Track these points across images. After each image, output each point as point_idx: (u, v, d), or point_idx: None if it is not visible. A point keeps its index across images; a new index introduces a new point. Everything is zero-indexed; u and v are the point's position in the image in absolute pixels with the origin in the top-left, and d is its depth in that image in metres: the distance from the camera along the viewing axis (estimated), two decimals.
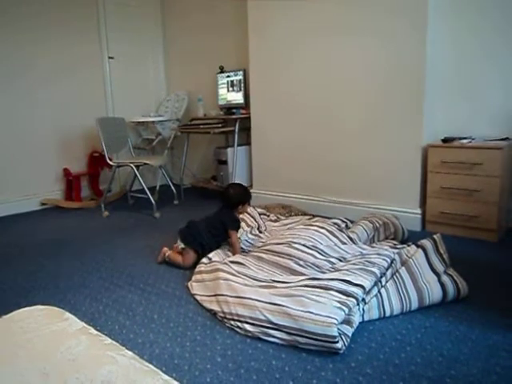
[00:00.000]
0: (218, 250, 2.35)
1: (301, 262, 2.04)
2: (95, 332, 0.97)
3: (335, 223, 2.52)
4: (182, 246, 2.34)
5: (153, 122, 4.20)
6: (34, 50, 3.85)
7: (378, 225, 2.54)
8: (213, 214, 2.46)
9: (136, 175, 3.63)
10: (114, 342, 0.93)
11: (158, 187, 4.10)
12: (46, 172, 4.02)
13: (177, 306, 1.92)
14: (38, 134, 3.95)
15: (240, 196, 2.44)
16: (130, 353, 0.88)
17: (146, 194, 3.50)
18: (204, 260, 2.23)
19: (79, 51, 4.16)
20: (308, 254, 2.09)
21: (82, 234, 3.11)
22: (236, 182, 2.66)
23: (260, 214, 2.94)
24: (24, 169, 3.88)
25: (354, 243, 2.33)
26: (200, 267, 2.16)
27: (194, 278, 2.11)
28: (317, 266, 2.03)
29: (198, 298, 1.97)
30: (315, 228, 2.37)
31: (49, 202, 3.98)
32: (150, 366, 0.84)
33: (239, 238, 2.49)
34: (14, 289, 2.18)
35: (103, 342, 0.92)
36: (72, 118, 4.16)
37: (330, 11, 3.03)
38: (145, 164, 3.59)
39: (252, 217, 2.87)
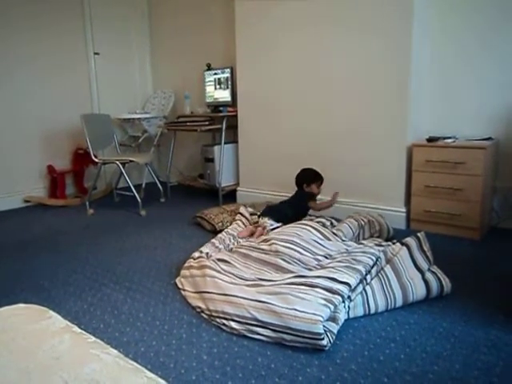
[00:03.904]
0: (208, 244, 2.41)
1: (287, 258, 2.05)
2: (79, 330, 0.96)
3: (320, 222, 2.54)
4: (277, 225, 2.58)
5: (139, 119, 4.16)
6: (18, 45, 3.78)
7: (362, 223, 2.56)
8: (290, 197, 2.86)
9: (122, 173, 3.60)
10: (99, 341, 0.92)
11: (143, 185, 4.07)
12: (30, 169, 3.96)
13: (162, 304, 1.91)
14: (21, 130, 3.88)
15: (303, 177, 2.84)
16: (115, 351, 0.87)
17: (132, 191, 3.48)
18: (195, 254, 2.23)
19: (63, 46, 4.10)
20: (293, 250, 2.10)
21: (66, 231, 3.07)
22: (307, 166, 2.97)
23: (251, 215, 2.94)
24: (6, 165, 3.81)
25: (339, 239, 2.35)
26: (189, 262, 2.16)
27: (182, 273, 2.12)
28: (302, 262, 2.04)
29: (185, 293, 1.96)
30: (300, 225, 2.38)
31: (32, 200, 3.92)
32: (135, 363, 0.83)
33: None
34: None
35: (87, 340, 0.91)
36: (56, 114, 4.10)
37: (316, 9, 3.04)
38: (131, 161, 3.56)
39: (245, 218, 2.88)
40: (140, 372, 0.79)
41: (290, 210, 2.70)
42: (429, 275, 1.90)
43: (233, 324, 1.65)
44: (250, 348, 1.54)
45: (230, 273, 1.95)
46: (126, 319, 1.78)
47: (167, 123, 4.18)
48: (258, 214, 2.80)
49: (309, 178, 2.83)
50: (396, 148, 2.85)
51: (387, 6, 2.73)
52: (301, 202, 2.79)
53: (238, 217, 2.91)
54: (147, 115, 4.21)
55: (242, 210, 2.95)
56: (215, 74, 3.99)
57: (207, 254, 2.25)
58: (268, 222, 2.62)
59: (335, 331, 1.56)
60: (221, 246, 2.42)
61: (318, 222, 2.49)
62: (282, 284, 1.75)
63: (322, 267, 1.93)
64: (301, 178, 2.86)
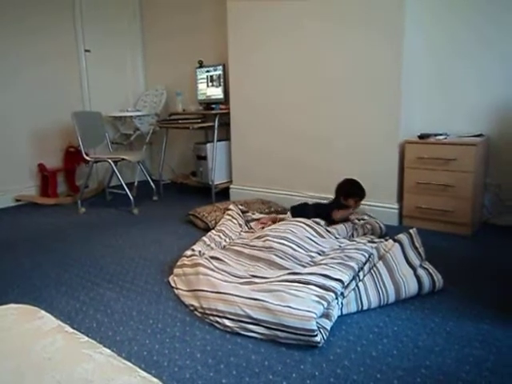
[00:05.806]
0: (200, 242, 2.38)
1: (280, 254, 2.06)
2: (71, 330, 0.95)
3: (315, 221, 2.54)
4: None
5: (131, 116, 4.14)
6: (8, 42, 3.74)
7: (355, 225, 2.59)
8: (327, 202, 2.79)
9: (114, 171, 3.57)
10: (91, 340, 0.92)
11: (136, 183, 4.05)
12: (20, 167, 3.92)
13: (156, 302, 1.90)
14: (12, 129, 3.84)
15: (340, 189, 2.68)
16: (108, 350, 0.87)
17: (125, 190, 3.46)
18: (187, 252, 2.22)
19: (54, 44, 4.06)
20: (287, 246, 2.11)
21: (58, 230, 3.05)
22: (348, 178, 2.77)
23: (243, 212, 2.93)
24: None
25: (332, 237, 2.36)
26: (182, 260, 2.15)
27: (175, 272, 2.11)
28: (295, 258, 2.05)
29: (178, 291, 1.96)
30: (294, 222, 2.38)
31: (23, 198, 3.88)
32: (128, 363, 0.83)
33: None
34: None
35: (79, 340, 0.91)
36: (47, 112, 4.06)
37: (308, 6, 3.04)
38: (123, 159, 3.54)
39: (237, 214, 2.86)
40: (133, 371, 0.79)
41: (312, 216, 2.55)
42: (421, 271, 1.91)
43: (226, 322, 1.65)
44: (243, 345, 1.55)
45: (223, 270, 1.95)
46: (119, 318, 1.77)
47: (159, 121, 4.16)
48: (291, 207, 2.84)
49: (342, 191, 2.66)
50: (388, 145, 2.86)
51: (379, 8, 2.73)
52: (328, 211, 2.62)
53: (226, 215, 2.85)
54: (139, 113, 4.19)
55: (232, 206, 2.92)
56: (207, 71, 3.97)
57: (200, 252, 2.25)
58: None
59: (328, 328, 1.57)
60: (212, 245, 2.41)
61: (312, 221, 2.50)
62: (276, 281, 1.76)
63: (315, 264, 1.93)
64: (337, 189, 2.69)
